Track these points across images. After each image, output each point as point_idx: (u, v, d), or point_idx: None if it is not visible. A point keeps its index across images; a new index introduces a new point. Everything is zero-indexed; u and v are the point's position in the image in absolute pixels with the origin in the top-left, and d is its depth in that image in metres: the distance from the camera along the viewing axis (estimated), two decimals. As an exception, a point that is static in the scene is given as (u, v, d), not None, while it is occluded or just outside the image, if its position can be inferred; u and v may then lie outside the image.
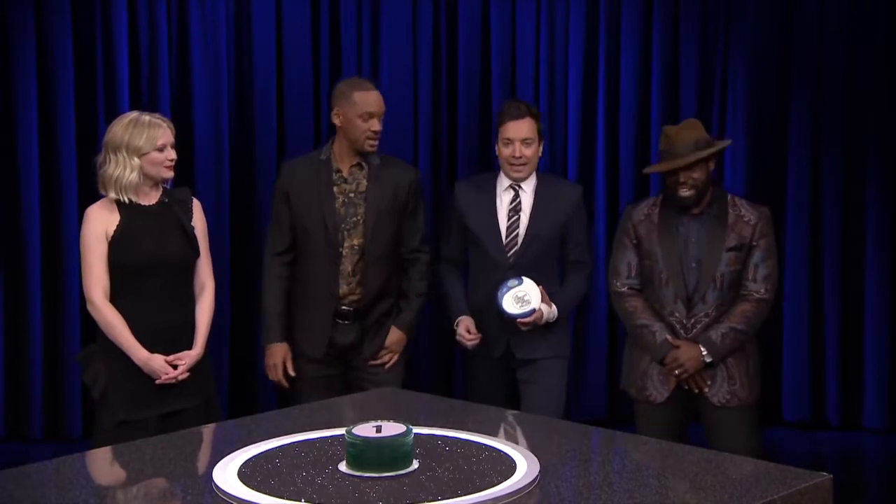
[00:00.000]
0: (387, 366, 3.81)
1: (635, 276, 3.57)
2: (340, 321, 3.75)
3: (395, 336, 3.81)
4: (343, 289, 3.73)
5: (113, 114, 4.91)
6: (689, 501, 1.93)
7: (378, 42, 5.18)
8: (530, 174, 3.74)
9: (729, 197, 3.56)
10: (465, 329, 3.74)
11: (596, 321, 5.31)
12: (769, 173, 5.17)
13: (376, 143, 3.73)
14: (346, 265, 3.72)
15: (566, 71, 5.28)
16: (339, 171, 3.76)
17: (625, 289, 3.58)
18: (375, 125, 3.68)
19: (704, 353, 3.42)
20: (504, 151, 3.71)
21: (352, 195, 3.74)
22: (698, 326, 3.47)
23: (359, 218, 3.72)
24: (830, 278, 5.23)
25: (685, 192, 3.43)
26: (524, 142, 3.67)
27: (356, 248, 3.72)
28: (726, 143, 3.71)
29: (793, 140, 5.22)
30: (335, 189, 3.74)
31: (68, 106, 4.93)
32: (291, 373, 3.78)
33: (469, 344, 3.75)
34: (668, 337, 3.46)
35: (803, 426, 5.27)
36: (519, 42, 5.25)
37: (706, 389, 3.46)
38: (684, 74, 5.27)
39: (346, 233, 3.72)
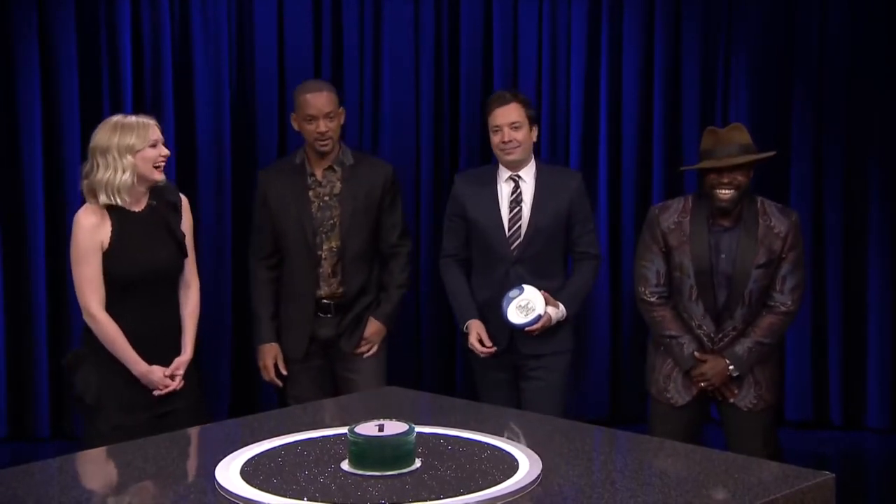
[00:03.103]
0: (365, 355, 3.86)
1: (663, 283, 3.54)
2: (322, 315, 3.82)
3: (373, 327, 3.88)
4: (324, 290, 3.81)
5: (116, 112, 4.93)
6: (691, 501, 1.93)
7: (380, 42, 5.18)
8: (523, 158, 3.71)
9: (759, 203, 3.49)
10: (478, 339, 3.67)
11: (598, 319, 5.30)
12: (771, 173, 5.15)
13: (326, 143, 3.76)
14: (326, 267, 3.80)
15: (568, 70, 5.27)
16: (312, 175, 3.83)
17: (654, 298, 3.54)
18: (320, 127, 3.72)
19: (731, 367, 3.44)
20: (494, 139, 3.70)
21: (326, 198, 3.81)
22: (725, 340, 3.47)
23: (335, 220, 3.79)
24: (833, 278, 5.22)
25: (726, 193, 3.38)
26: (512, 126, 3.66)
27: (335, 249, 3.80)
28: (771, 153, 3.64)
29: (795, 140, 5.21)
30: (310, 193, 3.81)
31: (72, 105, 4.93)
32: (283, 372, 3.87)
33: (483, 355, 3.69)
34: (696, 352, 3.46)
35: (806, 425, 5.26)
36: (521, 41, 5.24)
37: (732, 400, 3.48)
38: (686, 74, 5.26)
39: (323, 236, 3.79)
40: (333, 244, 3.79)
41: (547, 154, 5.20)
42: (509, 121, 3.67)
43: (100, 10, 4.92)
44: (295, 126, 3.86)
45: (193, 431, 2.57)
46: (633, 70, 5.26)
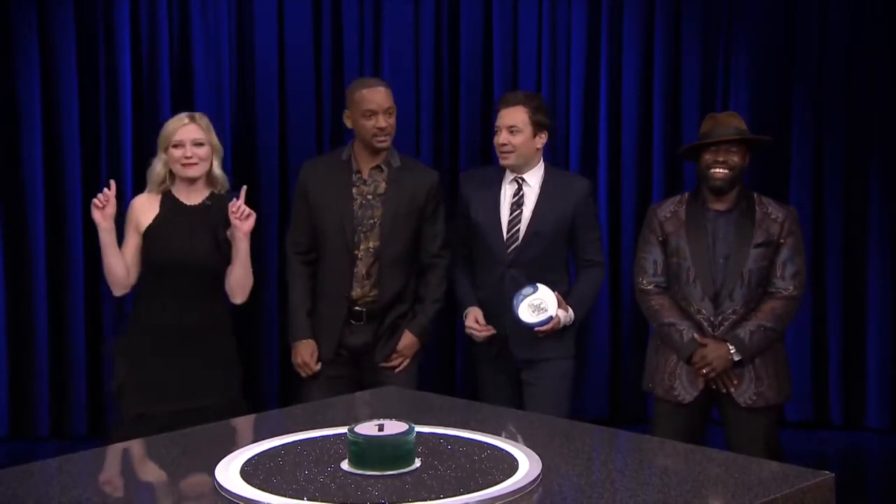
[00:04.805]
0: (397, 370, 3.76)
1: (661, 273, 3.53)
2: (354, 322, 3.72)
3: (407, 340, 3.77)
4: (357, 291, 3.70)
5: (115, 111, 4.95)
6: (691, 500, 1.93)
7: (380, 42, 5.18)
8: (518, 164, 3.64)
9: (756, 196, 3.54)
10: (474, 320, 3.66)
11: (598, 319, 5.30)
12: (771, 173, 5.16)
13: (385, 139, 3.67)
14: (361, 268, 3.69)
15: (568, 70, 5.27)
16: (358, 172, 3.73)
17: (651, 286, 3.54)
18: (380, 122, 3.63)
19: (733, 350, 3.39)
20: (494, 139, 3.67)
21: (369, 197, 3.71)
22: (726, 324, 3.43)
23: (375, 220, 3.69)
24: (833, 278, 5.23)
25: (720, 172, 3.43)
26: (510, 129, 3.60)
27: (371, 250, 3.69)
28: (767, 138, 3.72)
29: (795, 140, 5.22)
30: (353, 191, 3.71)
31: (71, 105, 4.94)
32: (315, 369, 3.73)
33: (479, 336, 3.67)
34: (696, 335, 3.43)
35: (806, 426, 5.26)
36: (521, 42, 5.24)
37: (732, 389, 3.44)
38: (686, 74, 5.27)
39: (361, 235, 3.68)
40: (371, 245, 3.68)
41: (546, 154, 5.17)
42: (508, 123, 3.61)
43: (98, 9, 4.92)
44: (348, 123, 3.74)
45: (194, 431, 2.57)
46: (633, 70, 5.26)
